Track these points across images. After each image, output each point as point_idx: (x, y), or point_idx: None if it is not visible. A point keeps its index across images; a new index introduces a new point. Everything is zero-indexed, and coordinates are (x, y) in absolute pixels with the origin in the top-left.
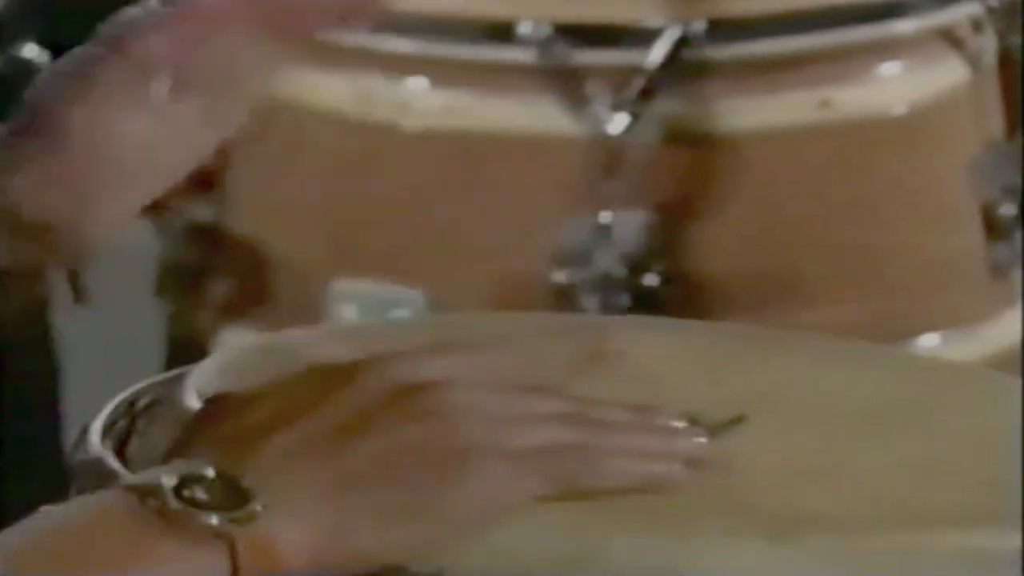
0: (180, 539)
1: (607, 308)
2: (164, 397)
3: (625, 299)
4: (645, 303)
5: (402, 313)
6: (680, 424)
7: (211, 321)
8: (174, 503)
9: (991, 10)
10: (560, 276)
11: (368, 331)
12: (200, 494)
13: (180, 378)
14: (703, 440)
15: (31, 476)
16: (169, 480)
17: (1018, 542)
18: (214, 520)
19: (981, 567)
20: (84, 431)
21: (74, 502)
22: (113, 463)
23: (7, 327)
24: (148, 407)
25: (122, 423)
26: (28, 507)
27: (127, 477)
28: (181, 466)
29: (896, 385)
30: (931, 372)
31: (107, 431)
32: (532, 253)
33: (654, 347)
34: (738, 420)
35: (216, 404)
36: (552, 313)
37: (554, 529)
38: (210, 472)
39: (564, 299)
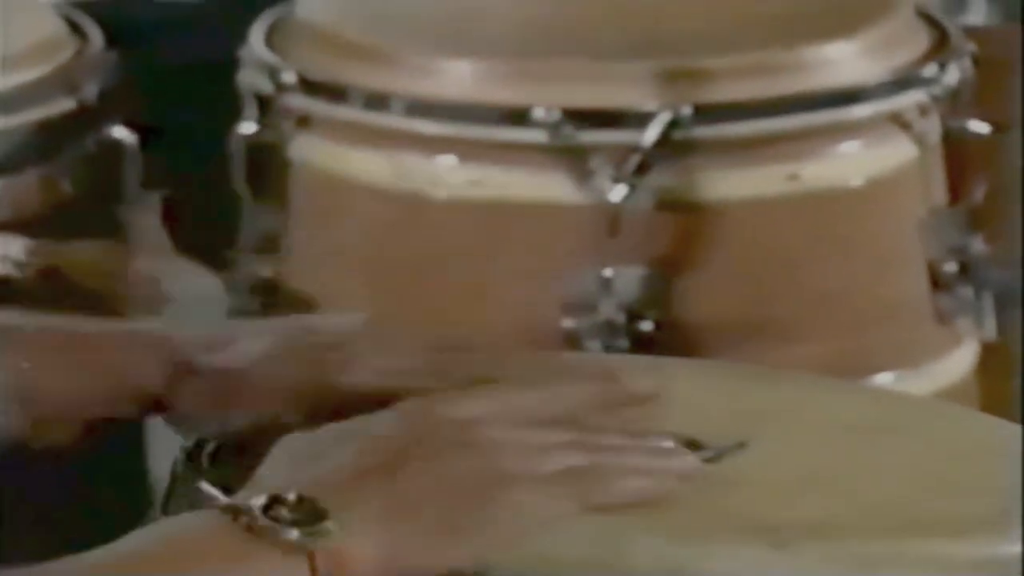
0: (267, 551)
1: (609, 350)
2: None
3: (624, 343)
4: (641, 346)
5: None
6: (671, 444)
7: None
8: (262, 520)
9: (935, 98)
10: (568, 322)
11: None
12: (284, 513)
13: None
14: (692, 458)
15: (117, 501)
16: (257, 502)
17: (1003, 550)
18: (295, 535)
19: (969, 573)
20: (185, 453)
21: (163, 523)
22: (208, 487)
23: None
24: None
25: (211, 446)
26: (114, 524)
27: (221, 499)
28: (267, 488)
29: (876, 409)
30: (899, 400)
31: (201, 454)
32: (544, 303)
33: (659, 382)
34: (740, 446)
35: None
36: (569, 353)
37: (582, 536)
38: (292, 495)
39: (572, 342)
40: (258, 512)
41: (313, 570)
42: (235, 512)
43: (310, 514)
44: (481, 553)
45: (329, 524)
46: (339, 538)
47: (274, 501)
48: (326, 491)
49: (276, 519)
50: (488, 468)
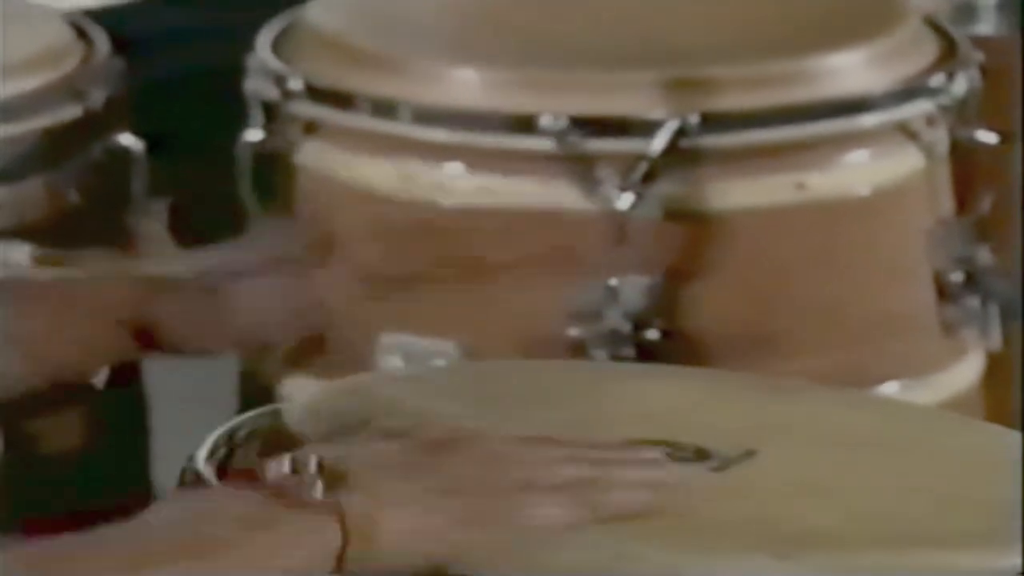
0: (295, 514)
1: (614, 359)
2: (260, 429)
3: (630, 352)
4: (647, 355)
5: (439, 362)
6: (658, 455)
7: (277, 370)
8: (288, 481)
9: (943, 108)
10: (574, 331)
11: (416, 376)
12: (307, 477)
13: (274, 413)
14: (676, 468)
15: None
16: (281, 465)
17: (1004, 562)
18: (320, 493)
19: None
20: (190, 460)
21: (185, 497)
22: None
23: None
24: (247, 438)
25: (223, 451)
26: None
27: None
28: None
29: (884, 421)
30: (909, 412)
31: (209, 458)
32: (551, 311)
33: (667, 391)
34: (747, 455)
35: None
36: (576, 361)
37: (584, 545)
38: (313, 464)
39: (577, 351)
40: (285, 473)
41: (344, 531)
42: (256, 479)
43: (332, 479)
44: (495, 549)
45: (356, 494)
46: (367, 505)
47: (296, 467)
48: (362, 464)
49: (300, 482)
50: (508, 476)
